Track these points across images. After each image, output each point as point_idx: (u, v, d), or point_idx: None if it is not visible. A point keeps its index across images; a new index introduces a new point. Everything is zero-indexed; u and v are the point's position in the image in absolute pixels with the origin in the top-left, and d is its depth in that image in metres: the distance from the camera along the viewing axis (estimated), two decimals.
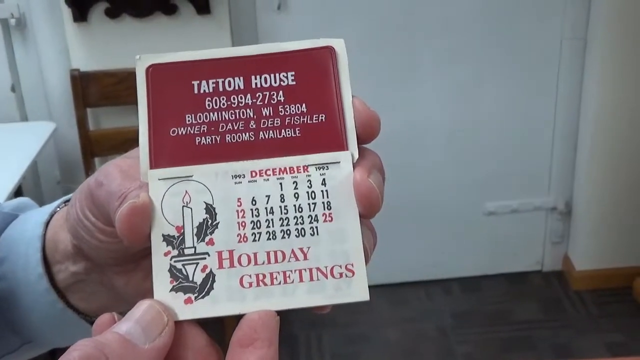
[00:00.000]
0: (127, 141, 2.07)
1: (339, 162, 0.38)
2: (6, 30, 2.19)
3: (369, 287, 0.36)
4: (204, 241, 0.36)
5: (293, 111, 0.39)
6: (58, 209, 0.48)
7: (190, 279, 0.36)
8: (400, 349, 2.31)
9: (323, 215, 0.37)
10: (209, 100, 0.39)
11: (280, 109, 0.39)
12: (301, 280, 0.36)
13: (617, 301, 2.45)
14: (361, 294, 0.36)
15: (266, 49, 0.40)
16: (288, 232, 0.37)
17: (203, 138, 0.38)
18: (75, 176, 2.30)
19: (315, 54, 0.40)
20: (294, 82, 0.39)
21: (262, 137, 0.38)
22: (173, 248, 0.36)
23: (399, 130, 2.35)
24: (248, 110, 0.39)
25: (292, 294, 0.36)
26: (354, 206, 0.37)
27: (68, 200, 0.47)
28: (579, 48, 2.32)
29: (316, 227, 0.37)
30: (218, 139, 0.38)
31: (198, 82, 0.39)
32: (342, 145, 0.38)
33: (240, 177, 0.37)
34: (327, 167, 0.38)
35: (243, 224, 0.37)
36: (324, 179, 0.38)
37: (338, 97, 0.39)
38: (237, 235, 0.36)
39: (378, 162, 0.39)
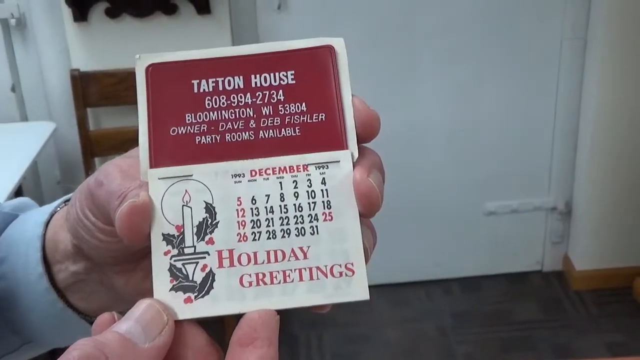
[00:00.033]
0: (127, 141, 2.07)
1: (339, 161, 0.38)
2: (6, 30, 2.19)
3: (369, 286, 0.36)
4: (203, 240, 0.36)
5: (293, 110, 0.39)
6: (58, 208, 0.48)
7: (190, 278, 0.36)
8: (400, 349, 2.31)
9: (323, 215, 0.37)
10: (208, 100, 0.39)
11: (280, 108, 0.39)
12: (301, 279, 0.36)
13: (617, 301, 2.45)
14: (361, 293, 0.36)
15: (266, 48, 0.40)
16: (288, 231, 0.37)
17: (203, 137, 0.38)
18: (75, 176, 2.30)
19: (315, 53, 0.40)
20: (294, 81, 0.39)
21: (262, 136, 0.38)
22: (173, 247, 0.36)
23: (399, 130, 2.35)
24: (248, 109, 0.39)
25: (292, 293, 0.36)
26: (353, 205, 0.37)
27: (68, 200, 0.47)
28: (579, 48, 2.32)
29: (316, 226, 0.37)
30: (218, 138, 0.38)
31: (198, 81, 0.39)
32: (341, 145, 0.38)
33: (240, 176, 0.37)
34: (327, 166, 0.38)
35: (243, 223, 0.37)
36: (323, 178, 0.38)
37: (338, 96, 0.39)
38: (237, 235, 0.36)
39: (378, 161, 0.39)
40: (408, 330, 2.38)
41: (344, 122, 0.39)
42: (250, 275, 0.36)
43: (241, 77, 0.39)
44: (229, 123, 0.39)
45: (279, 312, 0.35)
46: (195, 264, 0.36)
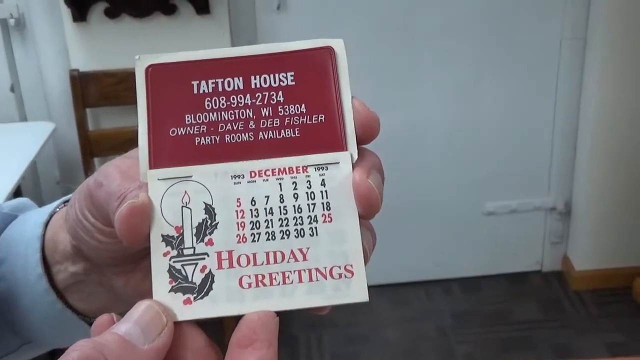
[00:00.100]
0: (126, 141, 2.07)
1: (338, 163, 0.38)
2: (5, 31, 2.19)
3: (369, 287, 0.36)
4: (203, 241, 0.36)
5: (292, 111, 0.39)
6: (57, 209, 0.48)
7: (190, 279, 0.36)
8: (400, 349, 2.31)
9: (322, 216, 0.37)
10: (208, 101, 0.39)
11: (279, 109, 0.39)
12: (300, 280, 0.36)
13: (617, 301, 2.46)
14: (360, 295, 0.36)
15: (265, 49, 0.40)
16: (287, 232, 0.37)
17: (202, 138, 0.38)
18: (74, 176, 2.30)
19: (315, 54, 0.40)
20: (294, 83, 0.39)
21: (261, 138, 0.38)
22: (172, 248, 0.36)
23: (399, 130, 2.35)
24: (247, 110, 0.39)
25: (291, 295, 0.36)
26: (353, 207, 0.37)
27: (67, 201, 0.47)
28: (578, 48, 2.32)
29: (315, 228, 0.37)
30: (217, 139, 0.38)
31: (197, 82, 0.39)
32: (341, 146, 0.38)
33: (239, 178, 0.37)
34: (327, 167, 0.38)
35: (242, 224, 0.37)
36: (323, 180, 0.37)
37: (337, 97, 0.39)
38: (237, 236, 0.36)
39: (377, 162, 0.39)
40: (408, 330, 2.38)
41: (343, 124, 0.39)
42: (249, 276, 0.36)
43: (241, 78, 0.39)
44: (229, 124, 0.39)
45: (279, 313, 0.35)
46: (194, 265, 0.36)
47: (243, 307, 0.35)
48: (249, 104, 0.39)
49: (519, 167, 2.48)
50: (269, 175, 0.37)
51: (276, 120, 0.39)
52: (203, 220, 0.37)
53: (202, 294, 0.36)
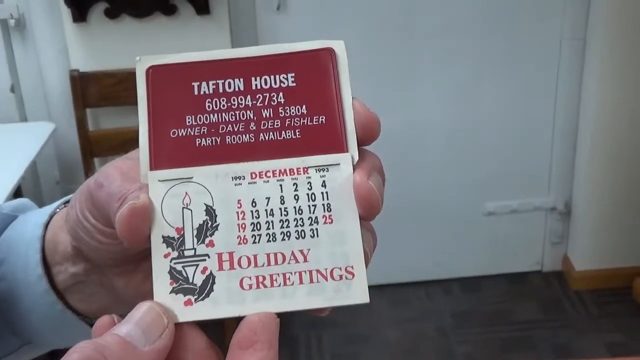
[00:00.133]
0: (126, 142, 2.07)
1: (339, 164, 0.38)
2: (5, 31, 2.19)
3: (369, 287, 0.36)
4: (204, 243, 0.36)
5: (293, 113, 0.39)
6: (58, 210, 0.48)
7: (190, 280, 0.36)
8: (400, 349, 2.31)
9: (323, 217, 0.37)
10: (209, 102, 0.39)
11: (280, 111, 0.39)
12: (301, 282, 0.36)
13: (617, 301, 2.46)
14: (361, 297, 0.36)
15: (266, 51, 0.40)
16: (288, 234, 0.37)
17: (203, 139, 0.38)
18: (74, 177, 2.30)
19: (316, 55, 0.40)
20: (294, 84, 0.39)
21: (262, 139, 0.38)
22: (173, 250, 0.36)
23: (399, 130, 2.35)
24: (248, 111, 0.39)
25: (292, 296, 0.36)
26: (354, 208, 0.37)
27: (68, 201, 0.47)
28: (578, 48, 2.32)
29: (316, 229, 0.37)
30: (218, 140, 0.38)
31: (198, 83, 0.39)
32: (342, 147, 0.38)
33: (240, 179, 0.37)
34: (327, 169, 0.38)
35: (243, 225, 0.37)
36: (324, 181, 0.37)
37: (338, 98, 0.39)
38: (237, 237, 0.36)
39: (378, 164, 0.39)
40: (408, 330, 2.38)
41: (344, 125, 0.39)
42: (250, 278, 0.36)
43: (241, 80, 0.39)
44: (229, 125, 0.39)
45: (279, 314, 0.35)
46: (195, 267, 0.36)
47: (244, 309, 0.35)
48: (250, 105, 0.39)
49: (519, 167, 2.48)
50: (269, 177, 0.37)
51: (277, 122, 0.39)
52: (204, 221, 0.37)
53: (203, 295, 0.36)
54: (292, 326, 2.35)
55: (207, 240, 0.36)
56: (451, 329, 2.38)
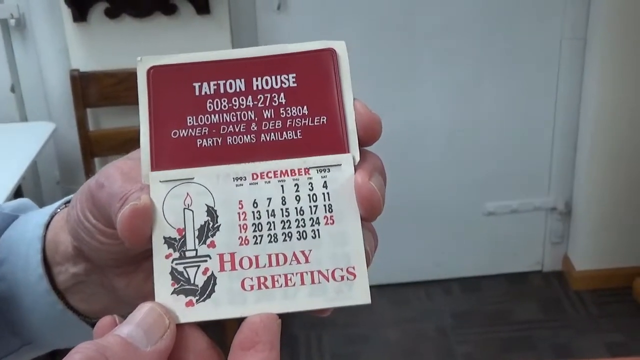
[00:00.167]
0: (127, 141, 2.07)
1: (340, 165, 0.38)
2: (6, 31, 2.19)
3: (369, 287, 0.36)
4: (205, 244, 0.36)
5: (294, 113, 0.39)
6: (58, 210, 0.48)
7: (192, 281, 0.36)
8: (400, 349, 2.31)
9: (324, 218, 0.37)
10: (210, 102, 0.39)
11: (281, 111, 0.39)
12: (302, 283, 0.36)
13: (617, 301, 2.46)
14: (362, 297, 0.36)
15: (267, 51, 0.40)
16: (289, 234, 0.36)
17: (204, 140, 0.38)
18: (75, 176, 2.30)
19: (317, 56, 0.40)
20: (295, 85, 0.39)
21: (263, 139, 0.38)
22: (174, 250, 0.36)
23: (399, 130, 2.35)
24: (249, 112, 0.39)
25: (293, 297, 0.36)
26: (355, 209, 0.37)
27: (68, 202, 0.47)
28: (578, 48, 2.32)
29: (317, 230, 0.37)
30: (219, 141, 0.38)
31: (199, 84, 0.39)
32: (343, 148, 0.38)
33: (241, 180, 0.37)
34: (329, 169, 0.38)
35: (244, 226, 0.37)
36: (325, 182, 0.37)
37: (339, 99, 0.39)
38: (239, 238, 0.36)
39: (379, 164, 0.39)
40: (408, 330, 2.38)
41: (345, 126, 0.39)
42: (251, 278, 0.36)
43: (243, 80, 0.39)
44: (231, 126, 0.39)
45: (281, 315, 0.35)
46: (196, 268, 0.36)
47: (245, 310, 0.35)
48: (251, 105, 0.39)
49: (519, 167, 2.48)
50: (271, 177, 0.37)
51: (278, 122, 0.39)
52: (205, 222, 0.37)
53: (205, 296, 0.36)
54: (292, 326, 2.35)
55: (208, 241, 0.36)
56: (451, 329, 2.38)
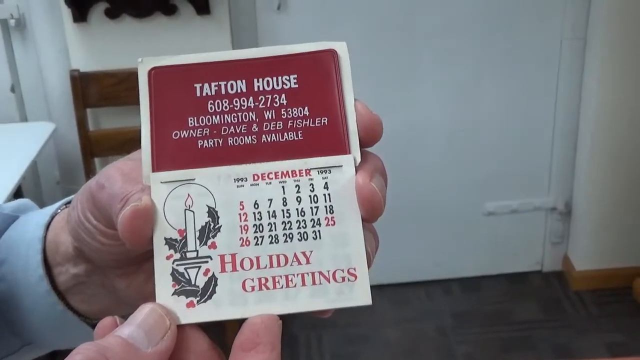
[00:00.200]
0: (127, 142, 2.07)
1: (342, 166, 0.38)
2: (6, 31, 2.19)
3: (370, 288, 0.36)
4: (206, 245, 0.36)
5: (295, 114, 0.39)
6: (59, 210, 0.48)
7: (193, 282, 0.36)
8: (400, 349, 2.31)
9: (325, 219, 0.37)
10: (211, 103, 0.39)
11: (282, 112, 0.39)
12: (303, 284, 0.36)
13: (617, 301, 2.46)
14: (363, 298, 0.36)
15: (268, 52, 0.40)
16: (290, 235, 0.36)
17: (205, 141, 0.38)
18: (75, 177, 2.30)
19: (318, 57, 0.40)
20: (297, 85, 0.39)
21: (264, 141, 0.38)
22: (175, 251, 0.36)
23: (399, 130, 2.35)
24: (250, 113, 0.39)
25: (294, 298, 0.36)
26: (356, 210, 0.37)
27: (69, 202, 0.47)
28: (579, 48, 2.32)
29: (318, 231, 0.37)
30: (220, 142, 0.38)
31: (200, 85, 0.39)
32: (344, 149, 0.38)
33: (242, 181, 0.37)
34: (330, 170, 0.38)
35: (245, 227, 0.37)
36: (326, 183, 0.37)
37: (340, 100, 0.39)
38: (240, 239, 0.36)
39: (380, 165, 0.39)
40: (408, 330, 2.38)
41: (346, 127, 0.39)
42: (252, 279, 0.36)
43: (244, 81, 0.39)
44: (232, 127, 0.39)
45: (282, 316, 0.35)
46: (197, 269, 0.36)
47: (246, 311, 0.35)
48: (252, 106, 0.39)
49: (519, 167, 2.48)
50: (272, 178, 0.37)
51: (279, 123, 0.39)
52: (206, 223, 0.37)
53: (205, 297, 0.36)
54: (292, 326, 2.35)
55: (209, 242, 0.36)
56: (451, 329, 2.38)
